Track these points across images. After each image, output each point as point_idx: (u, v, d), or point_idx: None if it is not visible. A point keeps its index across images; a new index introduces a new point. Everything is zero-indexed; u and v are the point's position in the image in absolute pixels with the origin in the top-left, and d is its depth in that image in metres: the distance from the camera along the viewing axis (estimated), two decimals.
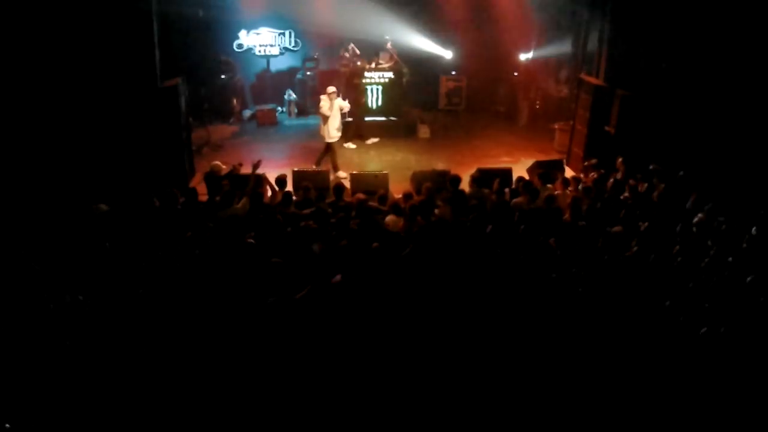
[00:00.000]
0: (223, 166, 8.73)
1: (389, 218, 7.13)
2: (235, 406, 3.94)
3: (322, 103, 10.27)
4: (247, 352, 4.40)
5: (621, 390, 4.29)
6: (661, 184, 7.90)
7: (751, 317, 4.90)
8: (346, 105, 10.78)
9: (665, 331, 4.88)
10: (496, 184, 8.25)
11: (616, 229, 6.32)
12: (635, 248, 6.06)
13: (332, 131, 10.31)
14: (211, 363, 4.26)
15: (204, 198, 8.07)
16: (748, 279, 5.32)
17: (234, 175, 8.39)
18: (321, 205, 7.23)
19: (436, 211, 7.25)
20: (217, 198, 7.53)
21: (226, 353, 4.36)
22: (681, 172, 8.08)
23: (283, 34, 14.16)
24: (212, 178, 8.35)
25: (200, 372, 4.19)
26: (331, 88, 10.41)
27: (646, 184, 8.10)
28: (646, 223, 6.65)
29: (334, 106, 10.27)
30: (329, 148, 10.40)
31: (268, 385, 4.03)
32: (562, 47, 13.43)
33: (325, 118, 10.22)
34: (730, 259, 5.85)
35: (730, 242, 6.21)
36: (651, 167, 8.20)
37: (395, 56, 12.93)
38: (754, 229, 6.24)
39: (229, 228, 6.20)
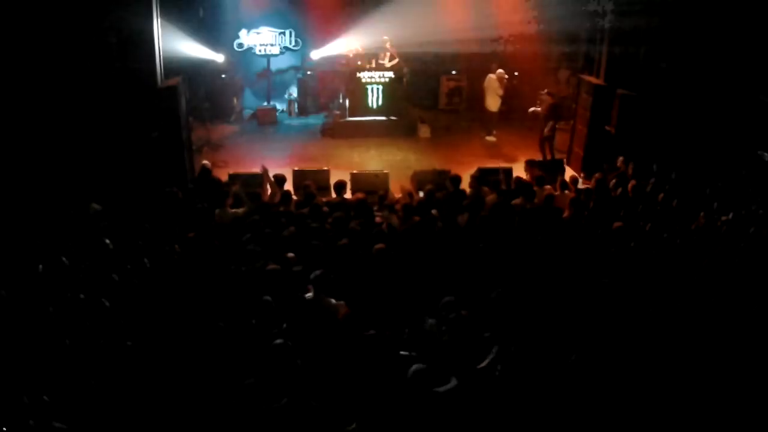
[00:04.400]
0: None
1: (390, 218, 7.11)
2: (232, 406, 3.94)
3: (495, 82, 12.62)
4: (244, 352, 4.40)
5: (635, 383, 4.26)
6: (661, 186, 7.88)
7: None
8: None
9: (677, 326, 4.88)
10: (494, 184, 8.24)
11: (617, 224, 6.33)
12: (635, 245, 6.07)
13: (498, 103, 12.81)
14: (210, 363, 4.26)
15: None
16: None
17: (237, 175, 8.39)
18: (318, 202, 7.21)
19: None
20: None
21: (224, 352, 4.37)
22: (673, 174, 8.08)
23: (284, 33, 14.14)
24: (204, 176, 8.37)
25: (199, 372, 4.18)
26: (501, 71, 12.68)
27: (650, 184, 8.09)
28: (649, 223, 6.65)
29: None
30: (493, 116, 12.93)
31: (268, 387, 4.02)
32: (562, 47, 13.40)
33: (499, 95, 12.67)
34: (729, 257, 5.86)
35: (731, 241, 6.22)
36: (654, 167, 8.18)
37: (395, 56, 12.93)
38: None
39: (228, 230, 6.19)
